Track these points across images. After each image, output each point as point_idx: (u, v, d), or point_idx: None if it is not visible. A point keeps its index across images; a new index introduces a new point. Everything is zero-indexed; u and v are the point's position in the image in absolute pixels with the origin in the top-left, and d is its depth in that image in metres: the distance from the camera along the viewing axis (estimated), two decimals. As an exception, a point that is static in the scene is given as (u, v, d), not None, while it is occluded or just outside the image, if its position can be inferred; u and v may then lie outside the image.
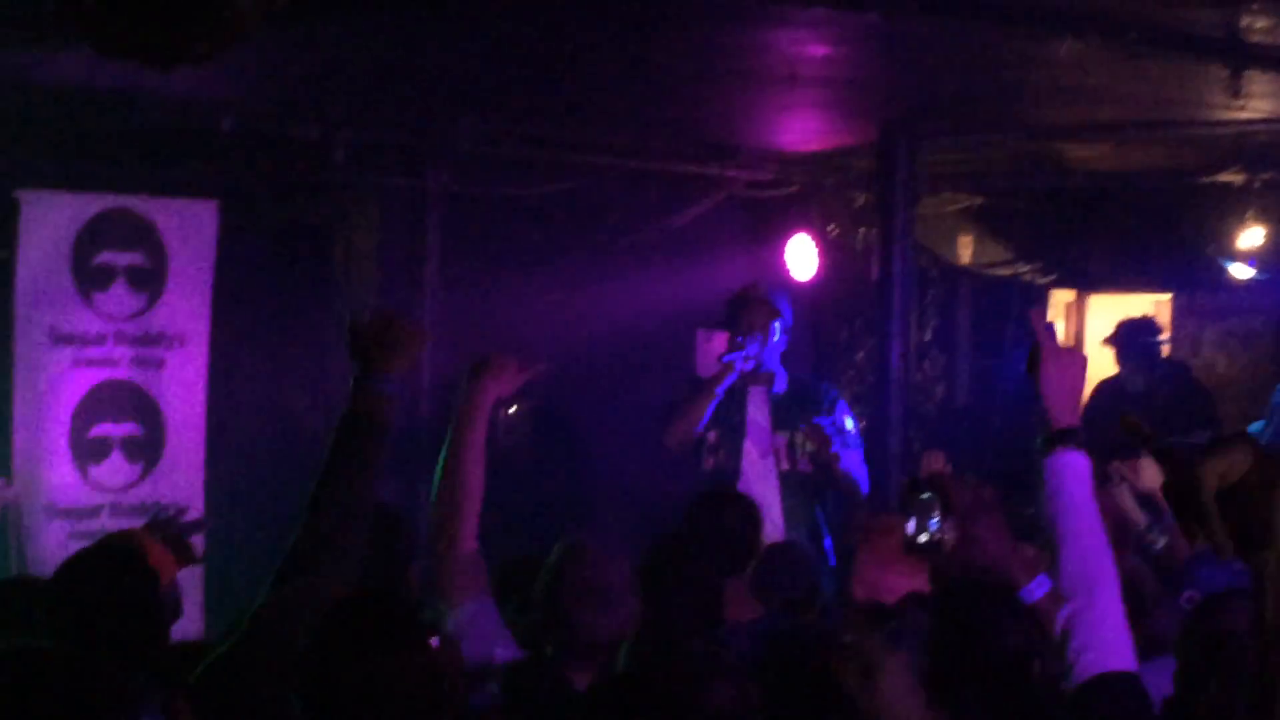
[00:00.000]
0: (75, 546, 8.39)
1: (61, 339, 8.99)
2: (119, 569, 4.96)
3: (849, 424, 9.26)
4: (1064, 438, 4.49)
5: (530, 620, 5.32)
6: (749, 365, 9.21)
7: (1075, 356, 4.65)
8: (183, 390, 9.34)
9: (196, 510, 9.29)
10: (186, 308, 9.36)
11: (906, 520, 4.81)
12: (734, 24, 7.44)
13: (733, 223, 11.91)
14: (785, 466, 9.28)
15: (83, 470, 9.04)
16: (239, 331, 9.90)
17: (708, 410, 9.21)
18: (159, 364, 9.30)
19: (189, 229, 9.37)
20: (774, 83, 8.72)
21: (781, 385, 9.36)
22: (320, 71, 8.62)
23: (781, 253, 11.54)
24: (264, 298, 10.21)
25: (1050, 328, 4.76)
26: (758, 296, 9.33)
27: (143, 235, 9.26)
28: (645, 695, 4.21)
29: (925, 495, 4.77)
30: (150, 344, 9.28)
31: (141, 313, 9.25)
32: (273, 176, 9.75)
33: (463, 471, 5.43)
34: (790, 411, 9.27)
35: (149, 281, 9.28)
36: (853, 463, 9.18)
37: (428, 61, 8.36)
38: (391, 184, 10.40)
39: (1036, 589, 4.68)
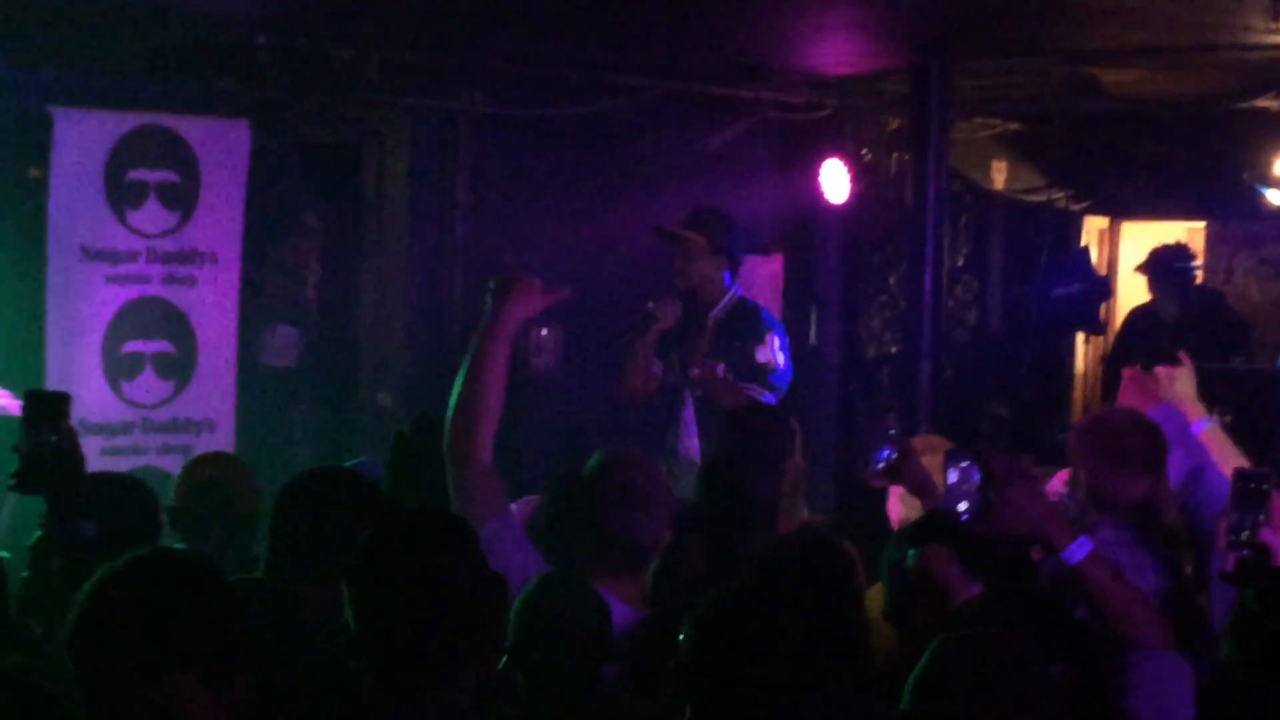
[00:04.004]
0: (108, 463, 8.49)
1: (94, 256, 9.01)
2: None
3: (774, 358, 8.52)
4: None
5: (563, 530, 5.33)
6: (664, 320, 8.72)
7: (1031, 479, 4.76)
8: (214, 308, 9.36)
9: (226, 428, 9.34)
10: (218, 225, 9.37)
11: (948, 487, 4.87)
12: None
13: (765, 146, 11.87)
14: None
15: (115, 387, 9.08)
16: (269, 249, 9.92)
17: (645, 362, 8.74)
18: (191, 281, 9.31)
19: (221, 147, 9.37)
20: (808, 2, 8.67)
21: (719, 312, 8.67)
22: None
23: (814, 177, 11.49)
24: (295, 216, 10.21)
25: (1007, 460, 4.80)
26: (675, 232, 8.70)
27: (175, 153, 9.26)
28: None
29: (964, 462, 4.81)
30: (182, 261, 9.29)
31: (173, 230, 9.27)
32: (305, 95, 9.72)
33: (482, 387, 5.42)
34: (724, 339, 8.57)
35: (181, 199, 9.28)
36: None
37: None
38: (423, 104, 10.37)
39: (1078, 550, 4.71)
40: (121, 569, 3.51)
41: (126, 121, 9.12)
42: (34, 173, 9.11)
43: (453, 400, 5.44)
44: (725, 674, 4.18)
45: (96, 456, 8.63)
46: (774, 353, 8.47)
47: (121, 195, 9.08)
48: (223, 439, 9.21)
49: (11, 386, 9.14)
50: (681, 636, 4.25)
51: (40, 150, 8.92)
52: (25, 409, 5.14)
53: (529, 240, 10.34)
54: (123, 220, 9.09)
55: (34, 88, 9.04)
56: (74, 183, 8.92)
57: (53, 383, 8.76)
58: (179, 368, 9.29)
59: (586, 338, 10.79)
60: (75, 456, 5.16)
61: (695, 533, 5.67)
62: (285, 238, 10.12)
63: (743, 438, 6.47)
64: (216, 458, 7.09)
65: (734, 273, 8.67)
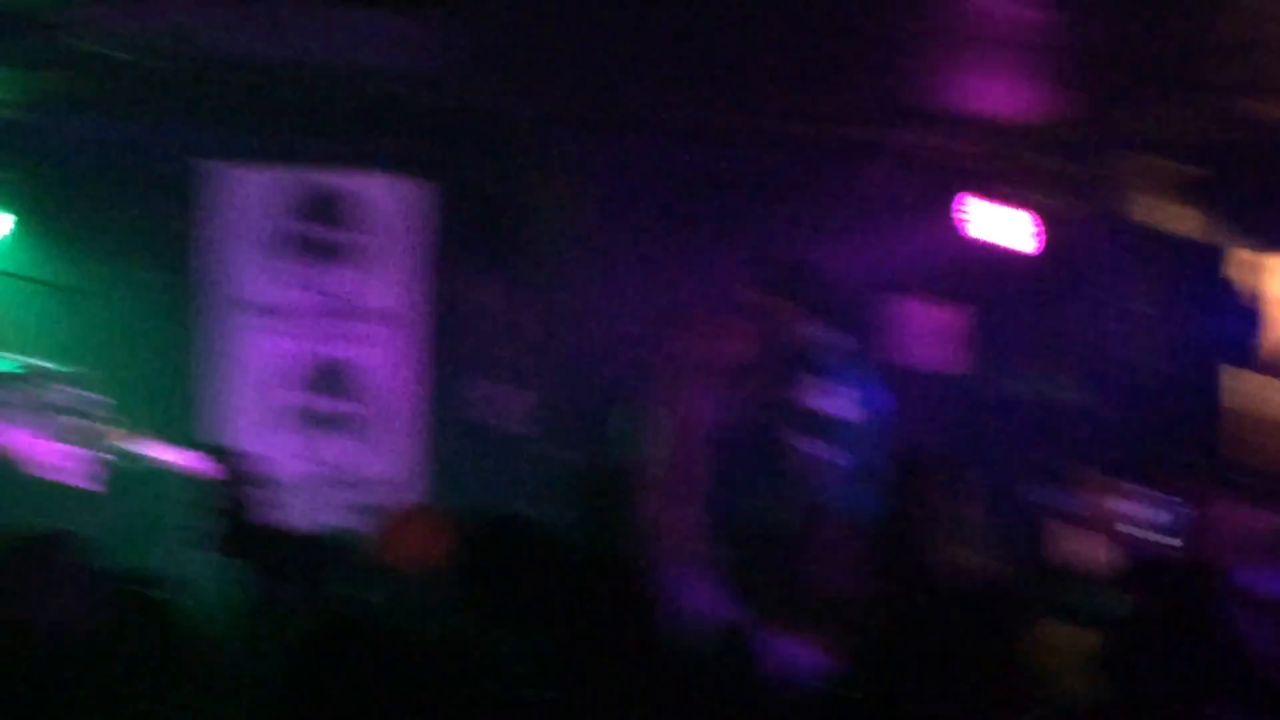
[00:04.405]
0: (289, 519, 8.61)
1: (266, 313, 9.11)
2: None
3: (829, 406, 8.29)
4: None
5: (752, 578, 5.37)
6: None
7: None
8: (392, 364, 9.44)
9: (410, 483, 9.41)
10: (390, 282, 9.45)
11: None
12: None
13: (925, 189, 11.83)
14: None
15: (293, 443, 9.17)
16: (441, 304, 10.00)
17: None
18: (364, 339, 9.39)
19: (387, 203, 9.46)
20: (971, 44, 8.65)
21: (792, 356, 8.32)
22: (513, 46, 8.65)
23: (983, 223, 11.44)
24: (464, 271, 10.30)
25: None
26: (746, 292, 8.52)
27: (341, 209, 9.36)
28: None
29: (1161, 499, 4.80)
30: (354, 318, 9.38)
31: (345, 288, 9.36)
32: (469, 150, 9.80)
33: (669, 432, 5.46)
34: (786, 384, 8.23)
35: (351, 256, 9.38)
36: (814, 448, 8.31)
37: (615, 33, 8.36)
38: (582, 155, 10.41)
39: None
40: (310, 630, 3.62)
41: (294, 179, 9.23)
42: (199, 228, 9.25)
43: (639, 448, 5.48)
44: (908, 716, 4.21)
45: (281, 513, 8.76)
46: (823, 400, 8.26)
47: (292, 251, 9.18)
48: (407, 494, 9.29)
49: (190, 444, 9.32)
50: (863, 680, 4.29)
51: (208, 206, 9.04)
52: (215, 466, 5.24)
53: (687, 284, 10.35)
54: (295, 277, 9.20)
55: (209, 147, 9.19)
56: (244, 240, 9.04)
57: (231, 439, 8.89)
58: (359, 424, 9.38)
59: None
60: (267, 514, 5.25)
61: (874, 577, 5.69)
62: (460, 293, 10.22)
63: (916, 481, 6.49)
64: (407, 510, 7.17)
65: (818, 317, 8.43)
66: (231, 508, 5.19)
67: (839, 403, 8.22)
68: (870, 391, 8.33)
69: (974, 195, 11.55)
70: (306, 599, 5.10)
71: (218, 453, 5.35)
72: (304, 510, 9.10)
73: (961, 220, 11.58)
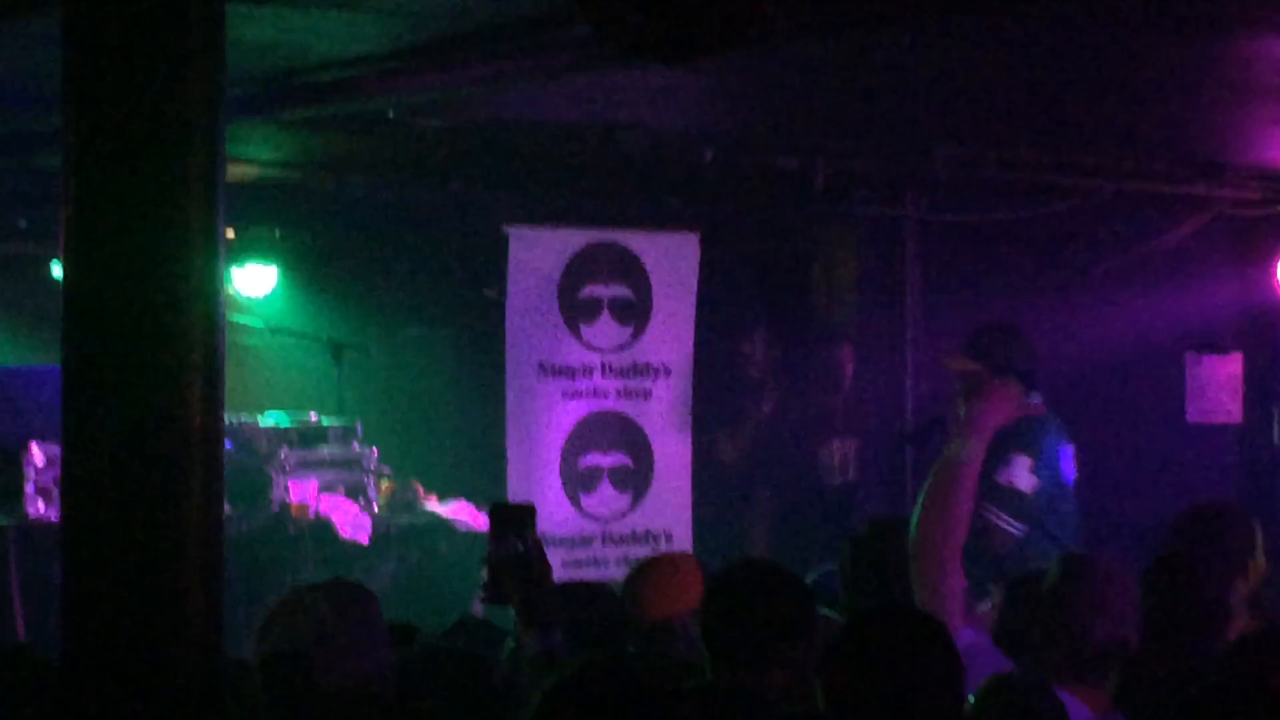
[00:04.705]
0: (570, 575, 8.62)
1: (551, 371, 9.19)
2: None
3: (1017, 481, 7.90)
4: None
5: (1024, 633, 5.27)
6: None
7: None
8: (668, 419, 9.47)
9: (683, 537, 9.41)
10: (670, 338, 9.49)
11: None
12: (1227, 34, 7.21)
13: (1220, 243, 11.57)
14: None
15: (574, 500, 9.23)
16: (720, 361, 10.01)
17: None
18: (645, 394, 9.44)
19: (672, 261, 9.50)
20: (1268, 95, 8.42)
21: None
22: (797, 100, 8.63)
23: (1273, 274, 11.16)
24: (744, 328, 10.30)
25: None
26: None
27: (628, 268, 9.41)
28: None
29: None
30: (636, 375, 9.42)
31: (627, 344, 9.41)
32: (752, 207, 9.80)
33: (954, 490, 5.41)
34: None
35: (634, 313, 9.43)
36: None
37: (905, 88, 8.30)
38: (869, 212, 10.37)
39: None
40: (572, 676, 3.61)
41: (580, 238, 9.32)
42: (490, 291, 9.35)
43: (919, 503, 5.45)
44: None
45: (559, 569, 8.73)
46: (1016, 474, 7.87)
47: (576, 311, 9.27)
48: (679, 548, 9.27)
49: (474, 499, 9.39)
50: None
51: (496, 269, 9.16)
52: (491, 521, 5.22)
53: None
54: (578, 336, 9.27)
55: (490, 208, 9.29)
56: (530, 299, 9.14)
57: (514, 496, 8.96)
58: (636, 480, 9.41)
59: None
60: (542, 566, 5.22)
61: (1152, 635, 5.55)
62: (736, 348, 10.21)
63: (1202, 536, 6.31)
64: (665, 560, 7.12)
65: (1028, 388, 8.01)
66: (510, 562, 5.15)
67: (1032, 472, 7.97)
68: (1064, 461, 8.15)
69: (1269, 247, 11.28)
70: (574, 649, 5.08)
71: (498, 507, 5.33)
72: (580, 563, 9.12)
73: (1257, 273, 11.32)
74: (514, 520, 5.22)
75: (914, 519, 5.47)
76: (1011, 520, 7.90)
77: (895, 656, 3.95)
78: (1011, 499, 7.87)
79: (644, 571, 5.91)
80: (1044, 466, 8.00)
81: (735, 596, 4.87)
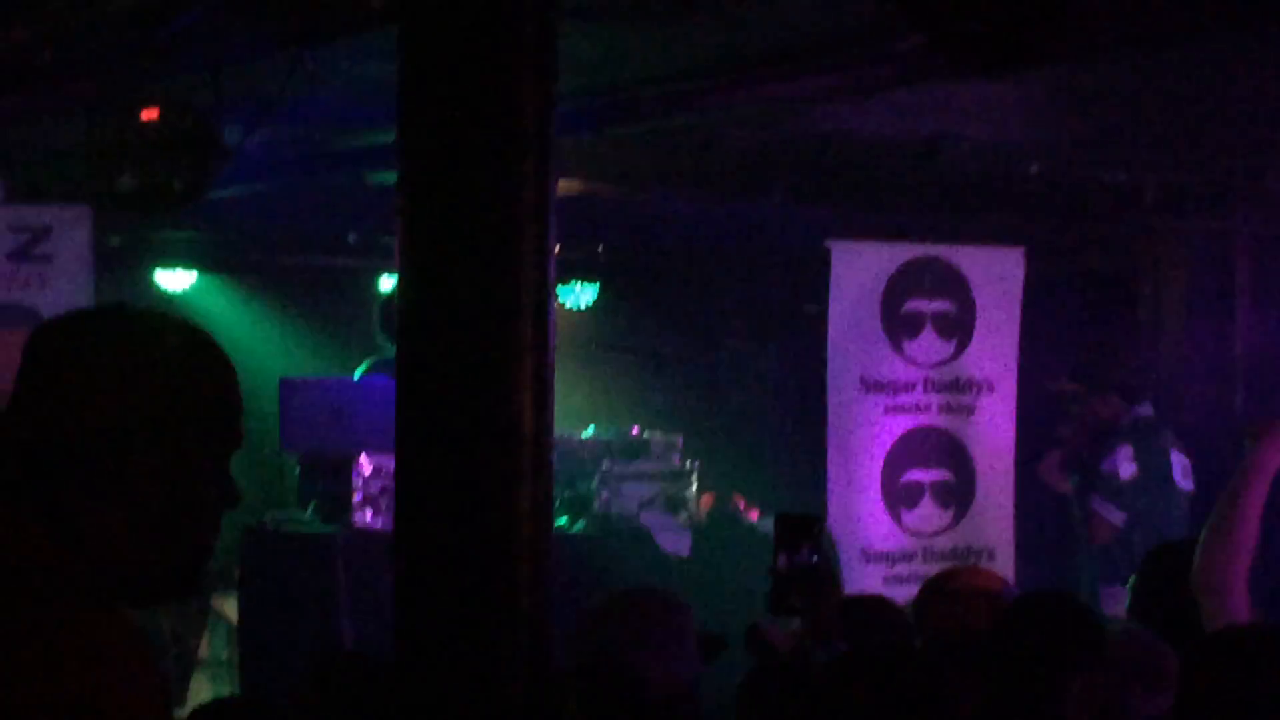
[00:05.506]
0: (889, 591, 8.57)
1: (873, 386, 9.15)
2: None
3: (1118, 469, 8.65)
4: None
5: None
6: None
7: None
8: (991, 436, 9.37)
9: (1005, 556, 9.31)
10: (994, 354, 9.39)
11: None
12: None
13: None
14: None
15: (895, 515, 9.18)
16: (1045, 378, 9.87)
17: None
18: (968, 410, 9.35)
19: (996, 275, 9.39)
20: None
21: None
22: (1125, 114, 8.50)
23: None
24: (1070, 343, 10.15)
25: None
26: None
27: (951, 283, 9.33)
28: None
29: None
30: (959, 391, 9.34)
31: (950, 360, 9.33)
32: (1078, 221, 9.66)
33: (1240, 523, 5.37)
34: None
35: (957, 329, 9.34)
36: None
37: (1234, 101, 8.12)
38: (1199, 227, 10.16)
39: None
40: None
41: (902, 253, 9.27)
42: (810, 307, 9.34)
43: (1204, 533, 5.38)
44: None
45: (879, 585, 8.74)
46: (1118, 464, 8.59)
47: (899, 326, 9.21)
48: (1001, 566, 9.18)
49: (777, 509, 9.34)
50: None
51: (817, 284, 9.15)
52: (778, 532, 5.20)
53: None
54: (900, 351, 9.22)
55: (813, 223, 9.28)
56: (851, 314, 9.11)
57: (834, 510, 8.95)
58: (958, 496, 9.33)
59: None
60: (830, 578, 5.20)
61: None
62: (1061, 365, 10.07)
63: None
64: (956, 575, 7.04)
65: (1131, 400, 8.81)
66: (798, 574, 5.14)
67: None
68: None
69: None
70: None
71: (784, 517, 5.31)
72: (900, 579, 9.06)
73: None
74: (802, 531, 5.20)
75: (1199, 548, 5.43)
76: (1112, 507, 8.53)
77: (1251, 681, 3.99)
78: (1110, 482, 8.56)
79: (935, 584, 5.83)
80: (1146, 455, 8.62)
81: (1018, 628, 4.84)
